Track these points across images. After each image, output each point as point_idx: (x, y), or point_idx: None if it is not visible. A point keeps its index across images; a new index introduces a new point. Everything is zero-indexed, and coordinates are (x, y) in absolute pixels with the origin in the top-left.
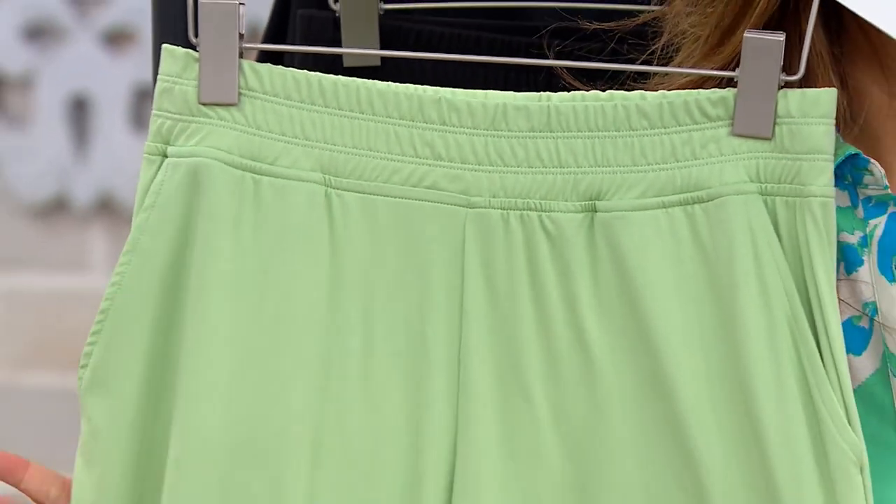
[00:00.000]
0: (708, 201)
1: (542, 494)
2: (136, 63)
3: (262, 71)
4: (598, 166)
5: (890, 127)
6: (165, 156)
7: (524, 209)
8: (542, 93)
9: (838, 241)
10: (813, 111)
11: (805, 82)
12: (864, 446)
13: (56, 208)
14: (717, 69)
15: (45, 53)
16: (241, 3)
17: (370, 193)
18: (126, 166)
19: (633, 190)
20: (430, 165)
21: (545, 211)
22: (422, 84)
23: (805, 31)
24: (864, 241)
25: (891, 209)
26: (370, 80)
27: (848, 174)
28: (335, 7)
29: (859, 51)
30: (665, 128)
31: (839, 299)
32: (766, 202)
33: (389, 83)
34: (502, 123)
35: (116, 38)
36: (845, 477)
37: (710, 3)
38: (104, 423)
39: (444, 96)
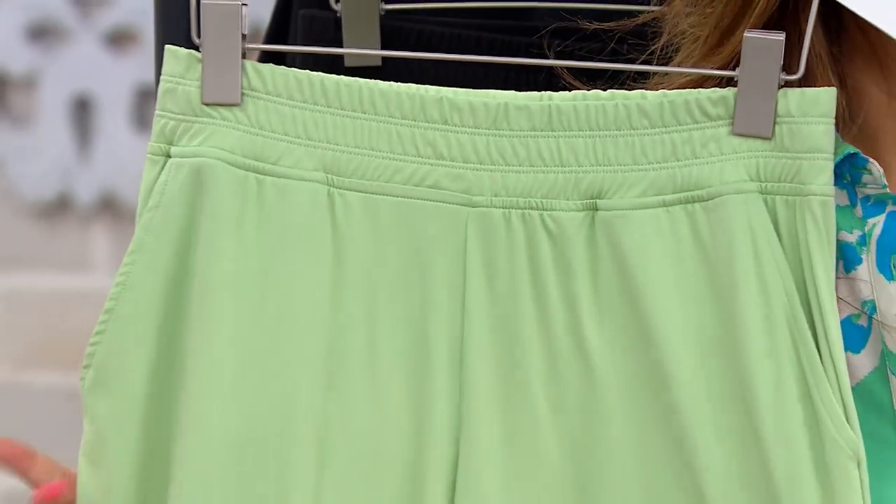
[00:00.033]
0: (708, 200)
1: (542, 494)
2: (138, 63)
3: (265, 71)
4: (599, 165)
5: (889, 126)
6: (169, 156)
7: (526, 208)
8: (543, 92)
9: (837, 240)
10: (812, 110)
11: (804, 82)
12: (862, 444)
13: (59, 208)
14: (716, 69)
15: (49, 54)
16: (243, 4)
17: (372, 193)
18: (129, 166)
19: (634, 189)
20: (432, 165)
21: (546, 210)
22: (423, 84)
23: (804, 30)
24: (863, 240)
25: (889, 208)
26: (372, 80)
27: (847, 173)
28: (336, 7)
29: (858, 50)
30: (665, 127)
31: (838, 297)
32: (766, 201)
33: (391, 83)
34: (504, 123)
35: (119, 39)
36: (843, 475)
37: (709, 3)
38: (108, 423)
39: (445, 96)
